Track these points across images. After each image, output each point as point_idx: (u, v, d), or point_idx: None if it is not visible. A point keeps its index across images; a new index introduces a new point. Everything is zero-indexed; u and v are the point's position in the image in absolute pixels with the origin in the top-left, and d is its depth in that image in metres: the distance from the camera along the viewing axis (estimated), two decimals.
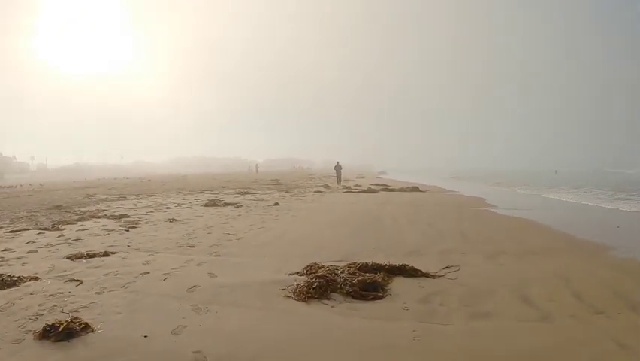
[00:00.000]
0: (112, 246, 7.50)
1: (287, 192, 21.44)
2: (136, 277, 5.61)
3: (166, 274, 5.72)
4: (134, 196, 18.62)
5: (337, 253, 6.92)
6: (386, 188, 24.13)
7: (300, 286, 4.85)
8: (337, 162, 31.24)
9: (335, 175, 31.09)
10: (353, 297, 4.68)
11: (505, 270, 5.91)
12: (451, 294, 4.81)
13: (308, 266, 5.70)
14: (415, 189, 23.08)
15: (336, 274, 5.15)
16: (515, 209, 14.12)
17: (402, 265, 5.60)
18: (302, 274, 5.50)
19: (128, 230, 9.24)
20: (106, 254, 6.78)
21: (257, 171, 59.23)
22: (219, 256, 6.86)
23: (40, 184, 30.33)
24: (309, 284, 4.82)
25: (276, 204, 14.72)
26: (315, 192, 21.66)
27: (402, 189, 22.97)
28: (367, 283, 4.87)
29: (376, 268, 5.56)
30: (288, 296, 4.74)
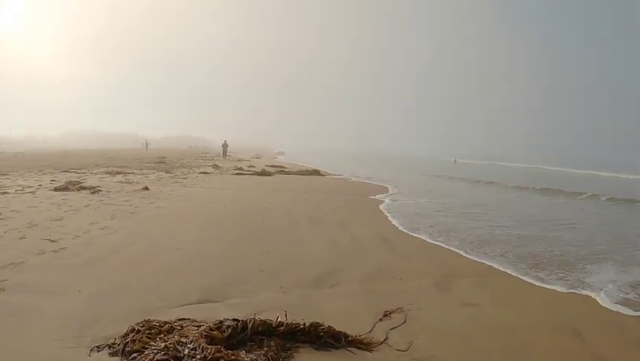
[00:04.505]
0: None
1: (167, 172, 17.47)
2: None
3: None
4: None
5: (201, 284, 4.00)
6: (283, 170, 21.43)
7: None
8: (225, 141, 37.62)
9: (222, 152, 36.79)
10: None
11: (479, 316, 3.59)
12: None
13: (134, 330, 2.70)
14: (316, 172, 20.75)
15: (178, 359, 2.26)
16: (424, 199, 12.49)
17: (312, 324, 2.90)
18: (115, 352, 2.50)
19: None
20: None
21: (146, 147, 51.70)
22: None
23: None
24: None
25: (145, 188, 11.04)
26: (200, 173, 18.00)
27: (300, 172, 20.48)
28: None
29: (263, 332, 2.81)
30: None
